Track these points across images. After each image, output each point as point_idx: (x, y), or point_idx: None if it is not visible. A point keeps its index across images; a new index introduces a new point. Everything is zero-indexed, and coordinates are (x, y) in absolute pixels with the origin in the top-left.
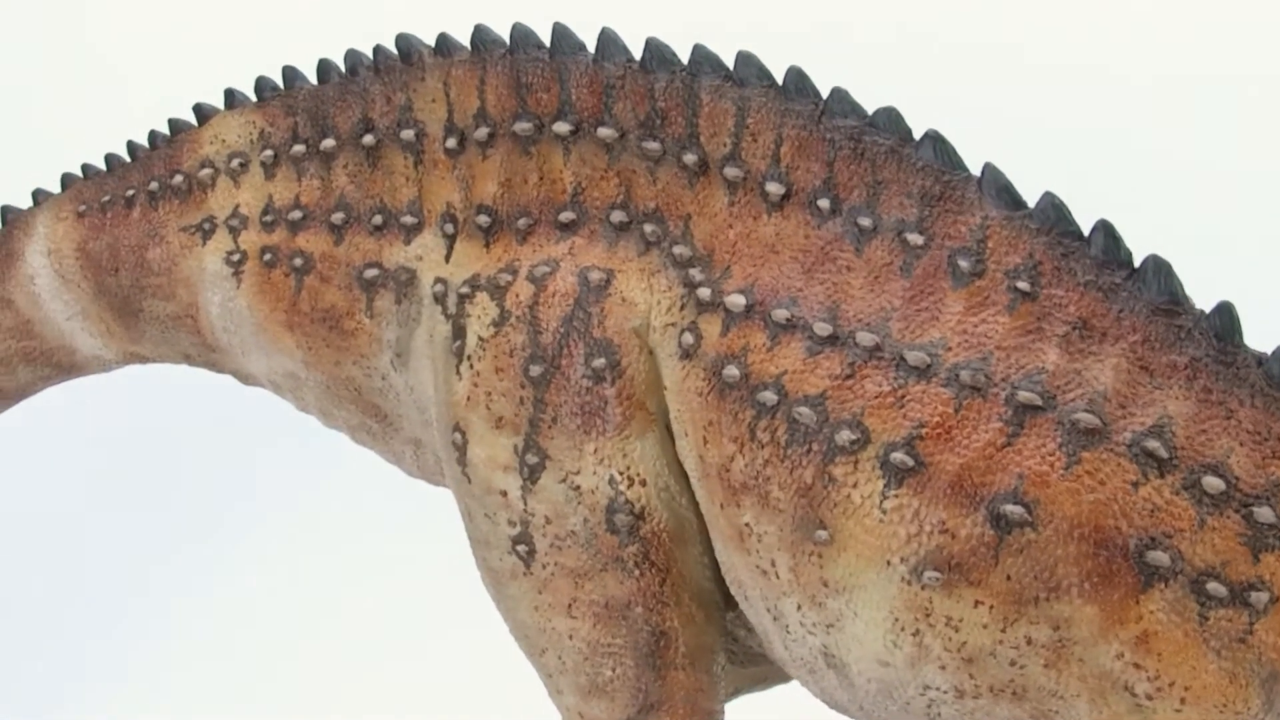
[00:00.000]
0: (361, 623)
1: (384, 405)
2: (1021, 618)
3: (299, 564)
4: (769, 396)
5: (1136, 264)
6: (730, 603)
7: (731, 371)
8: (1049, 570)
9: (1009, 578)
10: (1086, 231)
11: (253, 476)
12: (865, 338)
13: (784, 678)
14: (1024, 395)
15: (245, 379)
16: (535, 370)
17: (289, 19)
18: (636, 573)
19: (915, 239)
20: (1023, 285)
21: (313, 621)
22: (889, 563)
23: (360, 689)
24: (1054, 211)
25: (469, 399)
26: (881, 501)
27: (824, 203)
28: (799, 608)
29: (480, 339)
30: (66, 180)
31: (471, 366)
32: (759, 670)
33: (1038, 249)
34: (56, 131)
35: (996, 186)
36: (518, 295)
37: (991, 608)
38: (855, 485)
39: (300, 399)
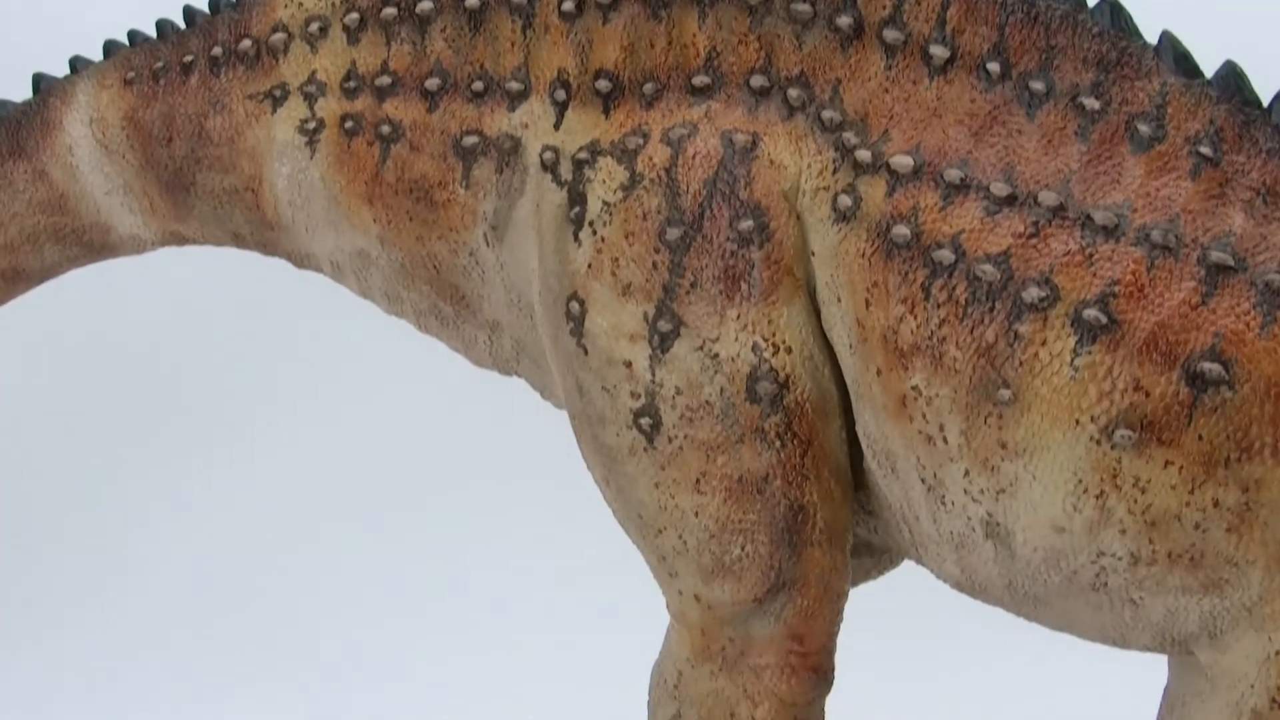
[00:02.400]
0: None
1: (464, 285)
2: (1210, 479)
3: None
4: (945, 255)
5: None
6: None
7: (901, 231)
8: (1242, 431)
9: (1201, 438)
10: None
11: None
12: (1048, 197)
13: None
14: (1216, 256)
15: (301, 261)
16: (673, 234)
17: None
18: (778, 444)
19: (1091, 104)
20: (1205, 151)
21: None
22: (1078, 421)
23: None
24: (1234, 79)
25: (591, 266)
26: (1073, 359)
27: (994, 67)
28: (966, 473)
29: (606, 204)
30: (110, 47)
31: (595, 233)
32: None
33: (1219, 116)
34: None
35: (1175, 54)
36: (651, 158)
37: (1181, 468)
38: (1044, 343)
39: (364, 281)
